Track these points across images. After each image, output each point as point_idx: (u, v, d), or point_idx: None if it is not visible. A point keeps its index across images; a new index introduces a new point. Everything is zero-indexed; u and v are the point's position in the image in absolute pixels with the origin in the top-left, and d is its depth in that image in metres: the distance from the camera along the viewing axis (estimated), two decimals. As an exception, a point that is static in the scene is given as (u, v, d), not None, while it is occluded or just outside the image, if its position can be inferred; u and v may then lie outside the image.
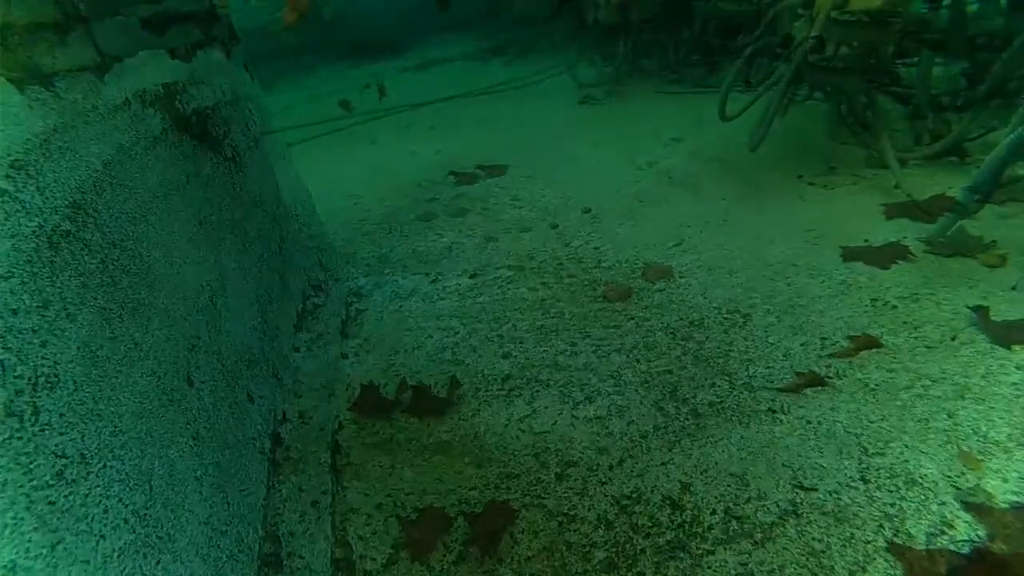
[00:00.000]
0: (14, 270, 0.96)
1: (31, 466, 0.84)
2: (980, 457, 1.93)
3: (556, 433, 2.23)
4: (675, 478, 2.00)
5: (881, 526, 1.76)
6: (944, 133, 3.63)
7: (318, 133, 6.13)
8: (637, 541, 1.81)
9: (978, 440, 1.99)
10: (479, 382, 2.52)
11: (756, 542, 1.77)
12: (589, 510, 1.92)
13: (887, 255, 3.02)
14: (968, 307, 2.56)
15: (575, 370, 2.53)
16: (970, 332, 2.48)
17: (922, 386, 2.25)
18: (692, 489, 1.95)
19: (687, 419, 2.24)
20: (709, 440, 2.13)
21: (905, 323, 2.59)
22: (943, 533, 1.72)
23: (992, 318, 2.48)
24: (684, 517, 1.87)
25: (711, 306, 2.87)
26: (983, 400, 2.14)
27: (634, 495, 1.96)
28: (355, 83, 7.66)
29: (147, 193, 1.49)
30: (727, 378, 2.42)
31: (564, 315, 2.91)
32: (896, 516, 1.78)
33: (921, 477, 1.89)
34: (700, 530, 1.83)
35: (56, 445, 0.89)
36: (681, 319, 2.80)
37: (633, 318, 2.85)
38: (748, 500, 1.90)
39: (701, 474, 2.00)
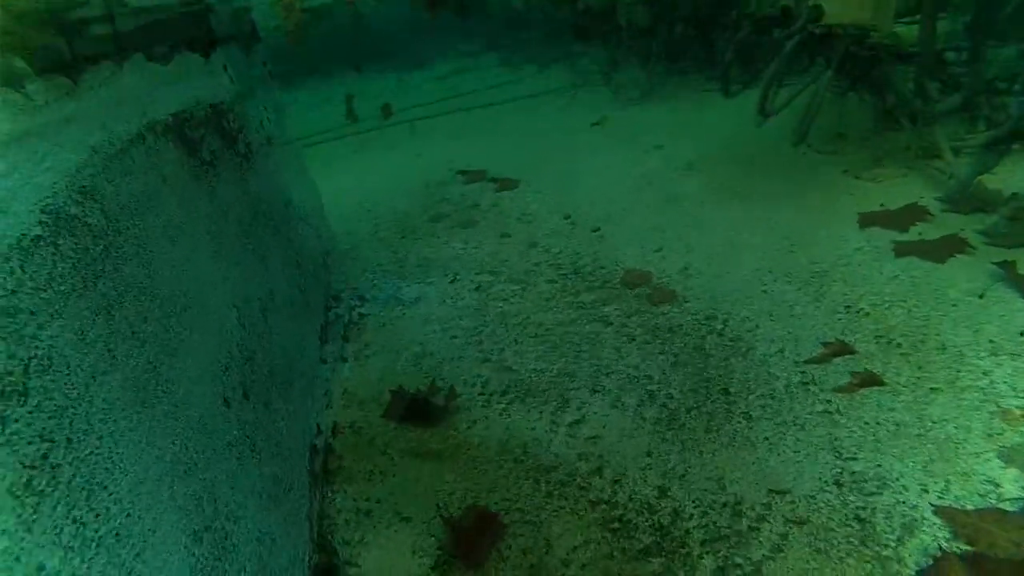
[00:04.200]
0: (13, 250, 0.97)
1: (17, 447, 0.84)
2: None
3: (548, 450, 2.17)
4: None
5: (925, 490, 1.75)
6: (1000, 120, 3.30)
7: (328, 138, 6.20)
8: (680, 523, 1.81)
9: (1017, 396, 1.97)
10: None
11: (800, 515, 1.76)
12: (629, 497, 1.93)
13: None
14: (993, 263, 2.53)
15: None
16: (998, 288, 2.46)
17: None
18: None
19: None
20: (743, 418, 2.13)
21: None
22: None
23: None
24: (725, 496, 1.87)
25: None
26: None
27: (672, 478, 1.95)
28: (371, 91, 7.66)
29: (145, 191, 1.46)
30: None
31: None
32: (940, 478, 1.77)
33: (962, 437, 1.89)
34: (742, 508, 1.82)
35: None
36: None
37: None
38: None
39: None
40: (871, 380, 2.15)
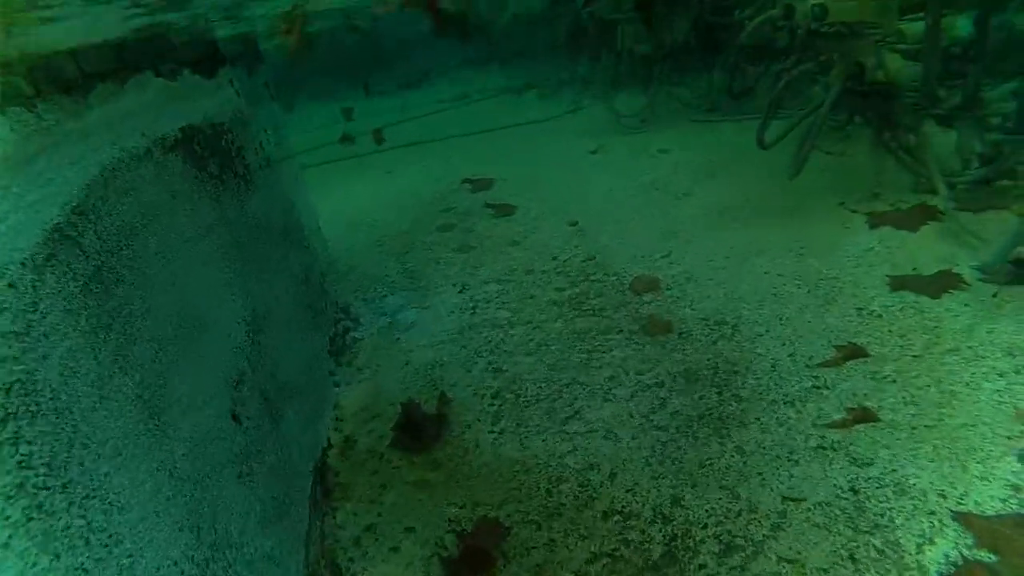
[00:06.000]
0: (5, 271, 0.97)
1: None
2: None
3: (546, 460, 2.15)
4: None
5: (944, 495, 1.72)
6: (995, 156, 3.21)
7: (324, 159, 6.24)
8: (695, 534, 1.79)
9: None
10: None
11: (817, 523, 1.74)
12: (642, 507, 1.91)
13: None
14: (1008, 261, 2.49)
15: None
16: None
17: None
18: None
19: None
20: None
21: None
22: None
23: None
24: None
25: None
26: None
27: (686, 487, 1.93)
28: (371, 112, 7.70)
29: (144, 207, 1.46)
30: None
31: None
32: (959, 483, 1.74)
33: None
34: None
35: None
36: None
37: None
38: (803, 481, 1.87)
39: (752, 460, 1.98)
40: (867, 416, 2.05)
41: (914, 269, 2.76)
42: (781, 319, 2.60)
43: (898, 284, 2.67)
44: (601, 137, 5.59)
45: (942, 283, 2.61)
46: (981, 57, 3.09)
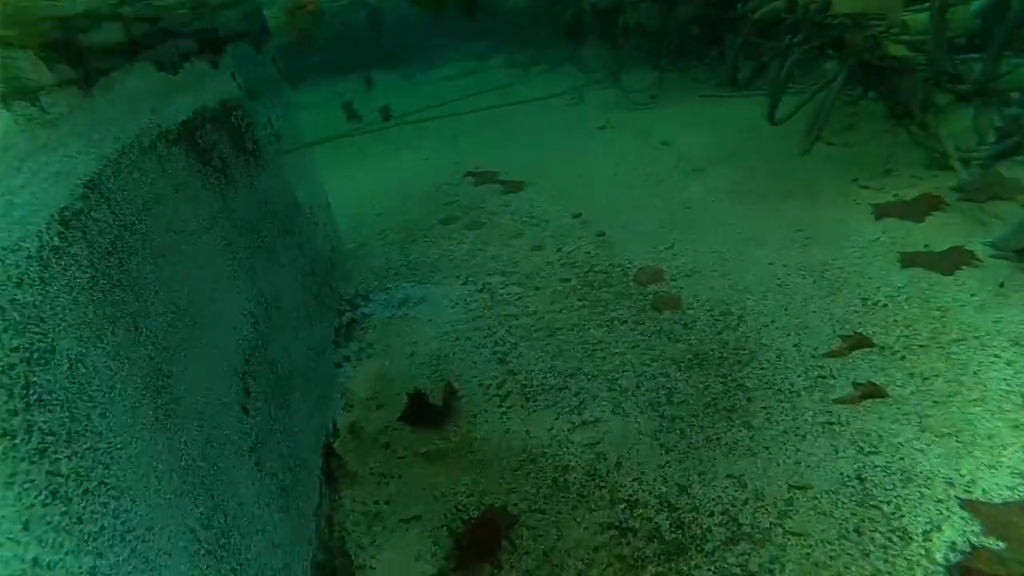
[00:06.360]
0: (22, 243, 0.98)
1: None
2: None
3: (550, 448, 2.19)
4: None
5: (951, 483, 1.72)
6: (1013, 131, 3.17)
7: (334, 137, 6.29)
8: (701, 522, 1.79)
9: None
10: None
11: (824, 511, 1.74)
12: (649, 495, 1.91)
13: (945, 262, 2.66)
14: (1015, 251, 2.49)
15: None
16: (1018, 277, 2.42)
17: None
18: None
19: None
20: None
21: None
22: None
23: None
24: (746, 493, 1.85)
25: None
26: None
27: (692, 476, 1.93)
28: (377, 90, 7.72)
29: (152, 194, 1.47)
30: (772, 350, 2.38)
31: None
32: (966, 471, 1.74)
33: (987, 429, 1.85)
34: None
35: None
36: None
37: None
38: (810, 470, 1.87)
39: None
40: (875, 392, 2.07)
41: (926, 246, 2.76)
42: (786, 309, 2.59)
43: (909, 261, 2.68)
44: (609, 112, 5.59)
45: (954, 259, 2.60)
46: (1000, 32, 3.07)
